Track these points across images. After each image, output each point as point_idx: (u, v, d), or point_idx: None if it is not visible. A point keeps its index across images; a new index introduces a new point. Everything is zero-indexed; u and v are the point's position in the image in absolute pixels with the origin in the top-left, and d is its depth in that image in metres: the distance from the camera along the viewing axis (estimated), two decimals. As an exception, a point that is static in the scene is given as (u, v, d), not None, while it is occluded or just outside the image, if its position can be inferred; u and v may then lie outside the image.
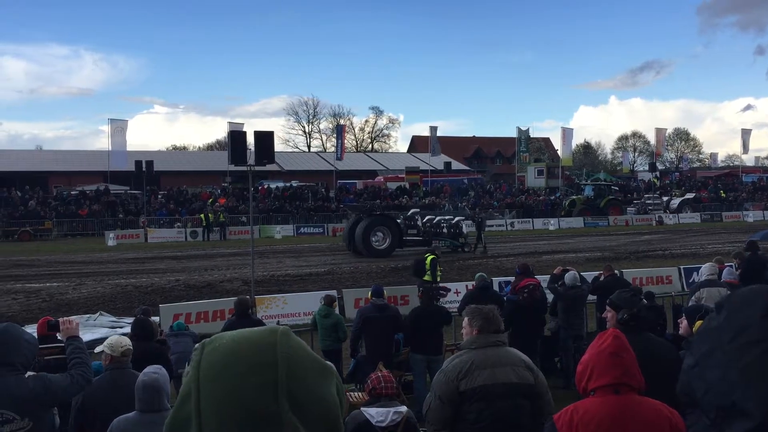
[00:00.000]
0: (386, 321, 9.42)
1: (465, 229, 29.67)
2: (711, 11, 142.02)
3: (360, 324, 9.37)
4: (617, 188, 54.12)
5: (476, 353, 4.26)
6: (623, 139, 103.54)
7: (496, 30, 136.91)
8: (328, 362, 1.15)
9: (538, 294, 10.06)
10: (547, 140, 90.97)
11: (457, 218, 30.13)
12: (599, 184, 51.26)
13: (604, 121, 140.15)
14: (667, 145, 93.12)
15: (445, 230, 28.91)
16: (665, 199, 52.50)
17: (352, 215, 30.01)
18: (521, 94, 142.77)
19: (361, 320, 9.38)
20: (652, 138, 78.97)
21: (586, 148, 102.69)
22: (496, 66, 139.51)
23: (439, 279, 15.94)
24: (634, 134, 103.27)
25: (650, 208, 50.04)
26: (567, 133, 61.11)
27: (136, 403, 4.23)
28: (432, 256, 16.07)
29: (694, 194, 53.92)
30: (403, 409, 4.77)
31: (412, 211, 31.16)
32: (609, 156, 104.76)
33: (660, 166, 71.67)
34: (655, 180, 59.36)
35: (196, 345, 1.12)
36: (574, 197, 49.25)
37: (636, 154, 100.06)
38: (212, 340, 1.10)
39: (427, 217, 29.68)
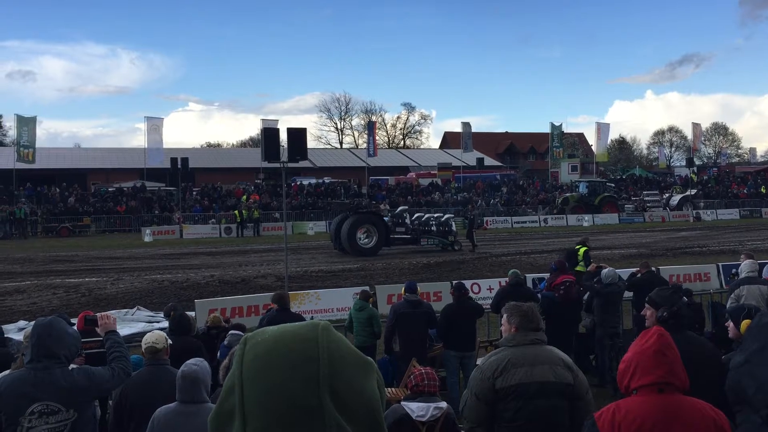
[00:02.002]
0: (419, 317, 9.42)
1: (454, 227, 29.01)
2: (754, 3, 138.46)
3: (394, 320, 9.38)
4: (613, 185, 52.90)
5: (513, 351, 4.23)
6: (659, 134, 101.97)
7: (530, 25, 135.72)
8: (369, 357, 1.15)
9: (574, 291, 9.96)
10: (580, 135, 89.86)
11: (446, 216, 29.57)
12: (593, 181, 50.08)
13: (639, 116, 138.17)
14: (705, 140, 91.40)
15: (434, 228, 28.26)
16: (665, 196, 51.34)
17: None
18: (555, 90, 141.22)
19: (395, 316, 9.39)
20: (689, 133, 77.62)
21: (621, 144, 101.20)
22: (530, 61, 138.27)
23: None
24: (671, 129, 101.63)
25: (648, 205, 48.93)
26: (602, 128, 60.29)
27: (177, 394, 4.28)
28: (585, 248, 15.81)
29: (694, 191, 52.48)
30: (444, 404, 4.78)
31: (400, 208, 30.57)
32: (644, 151, 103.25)
33: (697, 162, 70.27)
34: (693, 176, 58.27)
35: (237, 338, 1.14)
36: (568, 195, 48.33)
37: (672, 149, 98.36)
38: (254, 335, 1.12)
39: (416, 215, 29.23)
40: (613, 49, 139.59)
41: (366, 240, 26.64)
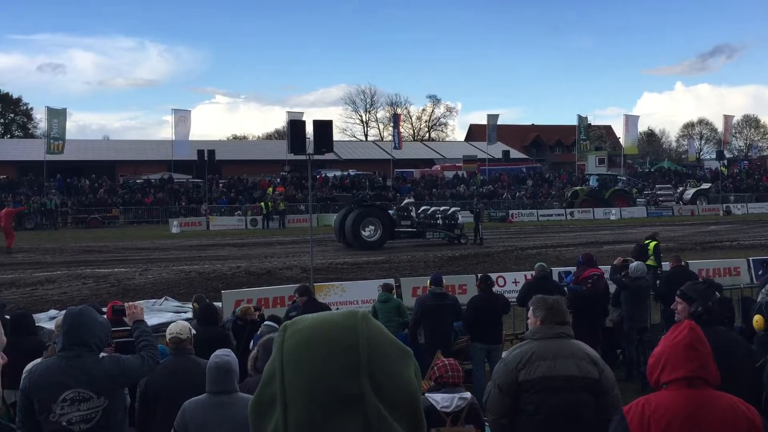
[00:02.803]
0: (445, 309, 9.40)
1: (461, 220, 28.57)
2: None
3: (419, 312, 9.38)
4: (624, 178, 52.04)
5: (538, 344, 4.21)
6: (689, 126, 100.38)
7: (557, 15, 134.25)
8: (406, 346, 1.15)
9: (601, 285, 9.86)
10: (608, 128, 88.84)
11: (452, 209, 29.18)
12: (604, 175, 49.14)
13: (669, 108, 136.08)
14: (736, 133, 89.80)
15: (440, 221, 27.91)
16: (680, 190, 50.30)
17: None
18: (582, 81, 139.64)
19: (420, 309, 9.39)
20: (719, 125, 76.33)
21: (650, 136, 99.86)
22: (557, 52, 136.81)
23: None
24: (701, 121, 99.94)
25: (661, 199, 48.05)
26: (630, 121, 59.53)
27: (207, 385, 4.30)
28: (655, 242, 15.68)
29: (709, 185, 51.34)
30: (468, 395, 4.79)
31: (405, 201, 30.17)
32: (674, 144, 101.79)
33: (728, 155, 69.08)
34: (723, 169, 57.30)
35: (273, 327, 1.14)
36: (578, 188, 47.57)
37: (702, 142, 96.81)
38: (294, 323, 1.12)
39: (422, 208, 28.84)
40: (642, 40, 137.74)
41: (370, 233, 26.35)
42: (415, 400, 1.11)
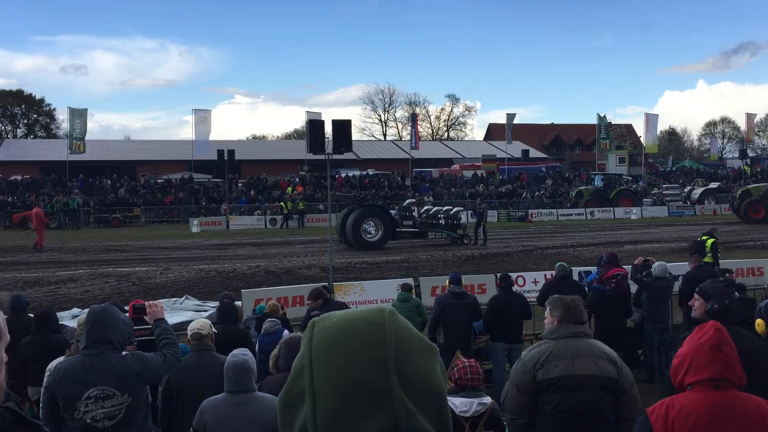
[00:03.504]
0: (464, 309, 9.38)
1: (464, 220, 28.25)
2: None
3: (438, 312, 9.36)
4: (630, 178, 51.28)
5: (555, 343, 4.22)
6: (711, 125, 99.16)
7: (577, 13, 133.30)
8: (432, 342, 1.17)
9: (625, 284, 9.78)
10: (629, 127, 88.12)
11: (455, 209, 28.84)
12: (609, 174, 48.41)
13: (690, 106, 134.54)
14: (759, 132, 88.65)
15: (442, 221, 27.54)
16: (687, 189, 49.39)
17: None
18: (602, 80, 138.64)
19: (439, 308, 9.37)
20: (742, 124, 75.27)
21: (671, 135, 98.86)
22: (577, 50, 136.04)
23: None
24: (723, 120, 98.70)
25: (667, 199, 47.29)
26: (651, 119, 58.98)
27: (225, 384, 4.32)
28: (713, 239, 15.53)
29: (718, 184, 50.40)
30: (488, 400, 4.69)
31: (407, 201, 29.80)
32: (695, 143, 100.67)
33: (751, 153, 68.14)
34: (746, 168, 56.56)
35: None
36: (582, 188, 46.90)
37: (725, 140, 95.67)
38: (321, 319, 1.14)
39: (424, 208, 28.52)
40: (664, 38, 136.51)
41: (371, 233, 26.06)
42: (441, 395, 1.12)
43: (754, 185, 39.12)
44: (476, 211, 30.25)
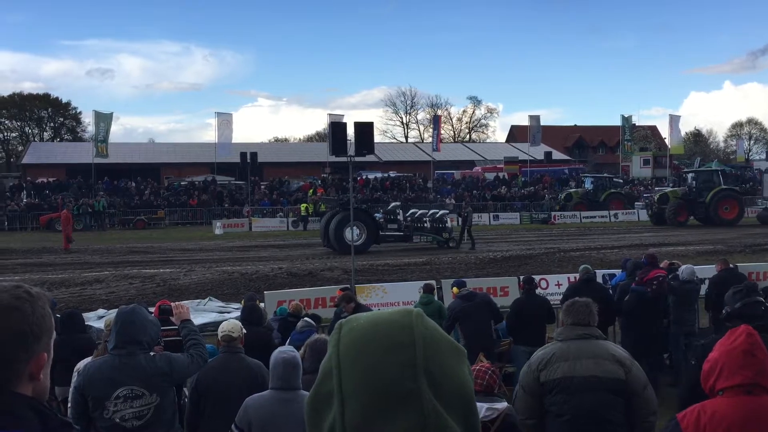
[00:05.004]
0: (478, 307, 9.33)
1: (449, 223, 27.71)
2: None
3: (451, 320, 9.25)
4: (621, 181, 50.31)
5: (561, 345, 4.28)
6: (737, 126, 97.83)
7: (601, 14, 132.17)
8: (460, 345, 1.16)
9: (666, 286, 9.66)
10: (653, 128, 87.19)
11: (441, 212, 28.38)
12: (600, 177, 47.56)
13: (716, 107, 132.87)
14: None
15: (428, 224, 27.08)
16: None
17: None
18: (626, 81, 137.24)
19: (452, 315, 9.29)
20: (769, 124, 74.18)
21: (697, 136, 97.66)
22: (600, 52, 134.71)
23: None
24: (750, 121, 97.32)
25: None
26: (674, 121, 58.35)
27: (272, 381, 4.29)
28: None
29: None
30: (501, 405, 4.45)
31: (392, 204, 29.35)
32: (721, 144, 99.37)
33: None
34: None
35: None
36: (571, 190, 46.19)
37: (751, 142, 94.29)
38: (349, 321, 1.14)
39: (410, 211, 28.06)
40: (689, 39, 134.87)
41: (354, 237, 24.85)
42: (470, 398, 1.12)
43: (671, 189, 38.88)
44: (460, 214, 29.76)
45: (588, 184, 46.06)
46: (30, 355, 1.59)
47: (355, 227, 25.15)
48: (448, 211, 29.92)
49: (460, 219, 29.70)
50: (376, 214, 27.23)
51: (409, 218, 27.28)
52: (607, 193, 44.23)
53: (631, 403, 4.08)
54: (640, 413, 4.07)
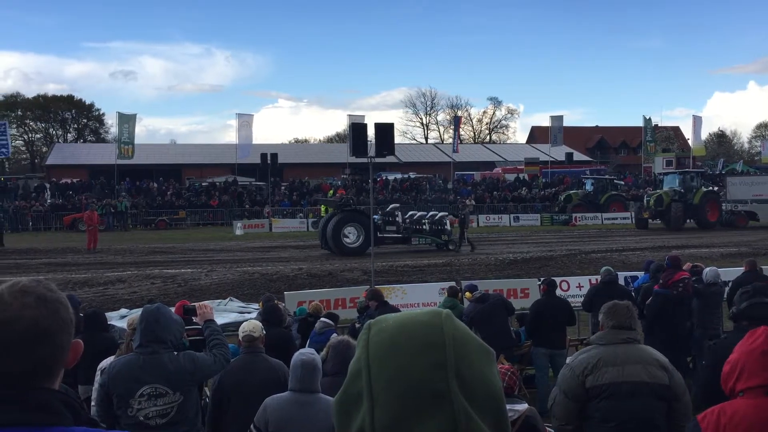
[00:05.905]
0: (493, 307, 9.31)
1: (449, 226, 27.40)
2: None
3: (468, 324, 9.21)
4: (622, 183, 49.32)
5: (605, 349, 4.16)
6: (762, 127, 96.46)
7: (622, 14, 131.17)
8: (488, 346, 1.16)
9: (691, 287, 9.56)
10: (676, 129, 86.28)
11: (440, 214, 28.09)
12: (601, 178, 46.73)
13: (741, 108, 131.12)
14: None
15: (426, 226, 26.80)
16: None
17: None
18: (648, 81, 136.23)
19: (468, 319, 9.26)
20: (795, 125, 73.06)
21: (720, 137, 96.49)
22: (622, 52, 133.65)
23: None
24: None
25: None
26: (697, 122, 57.70)
27: (291, 383, 4.28)
28: None
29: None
30: (521, 407, 4.42)
31: (391, 206, 28.99)
32: (746, 145, 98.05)
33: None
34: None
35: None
36: (571, 192, 45.30)
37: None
38: (377, 321, 1.14)
39: (409, 213, 27.82)
40: (713, 39, 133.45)
41: (352, 239, 25.41)
42: (500, 399, 1.11)
43: (663, 191, 38.13)
44: (457, 216, 29.54)
45: (588, 186, 45.50)
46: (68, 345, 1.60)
47: (352, 228, 25.40)
48: (447, 213, 29.60)
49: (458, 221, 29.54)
50: (374, 216, 27.14)
51: (407, 220, 27.13)
52: (607, 195, 43.64)
53: (671, 408, 4.03)
54: (679, 418, 4.04)
